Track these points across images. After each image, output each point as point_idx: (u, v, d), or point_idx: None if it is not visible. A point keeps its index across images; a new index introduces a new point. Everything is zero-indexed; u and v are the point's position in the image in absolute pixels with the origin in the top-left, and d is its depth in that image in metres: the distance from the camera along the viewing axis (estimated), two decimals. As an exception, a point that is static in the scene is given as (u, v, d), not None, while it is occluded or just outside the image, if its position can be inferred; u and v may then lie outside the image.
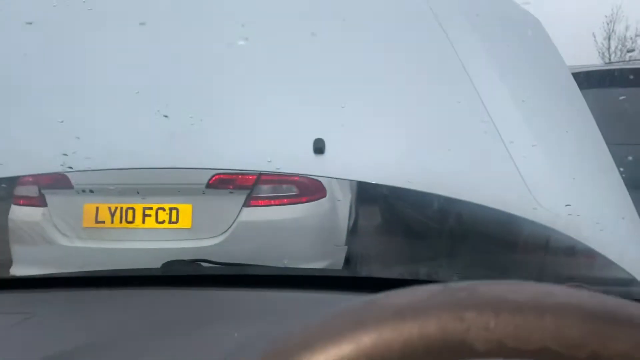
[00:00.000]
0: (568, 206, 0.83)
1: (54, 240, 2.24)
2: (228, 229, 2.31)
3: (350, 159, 0.95)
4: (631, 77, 2.83)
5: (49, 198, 2.34)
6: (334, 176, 1.05)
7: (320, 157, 0.95)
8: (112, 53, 1.03)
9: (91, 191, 2.35)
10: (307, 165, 0.96)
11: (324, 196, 2.32)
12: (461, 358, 0.30)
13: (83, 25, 1.02)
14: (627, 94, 2.69)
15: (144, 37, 1.02)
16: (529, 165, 0.92)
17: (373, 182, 1.04)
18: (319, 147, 0.96)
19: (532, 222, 0.84)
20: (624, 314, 0.29)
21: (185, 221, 2.35)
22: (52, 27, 1.03)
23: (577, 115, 1.03)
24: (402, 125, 0.97)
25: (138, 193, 2.32)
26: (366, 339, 0.30)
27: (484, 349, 0.29)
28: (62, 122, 0.98)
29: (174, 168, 1.22)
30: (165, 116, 1.04)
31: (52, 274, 1.05)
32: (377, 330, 0.30)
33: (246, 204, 2.30)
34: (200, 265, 0.96)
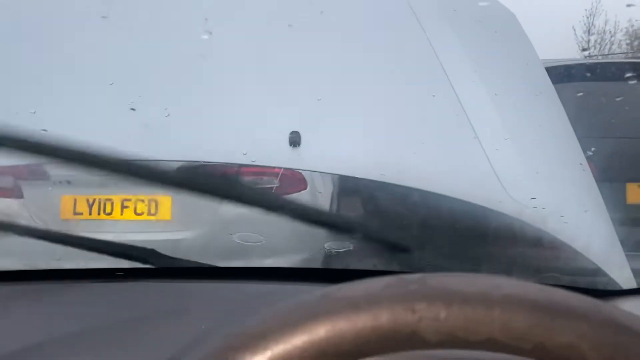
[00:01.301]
0: (534, 199, 0.85)
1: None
2: (208, 221, 2.30)
3: (326, 151, 0.96)
4: (611, 71, 2.88)
5: (26, 189, 2.31)
6: (310, 169, 1.05)
7: (296, 150, 0.96)
8: (85, 44, 1.02)
9: (68, 182, 2.32)
10: (282, 157, 0.96)
11: (305, 188, 2.32)
12: (413, 349, 0.31)
13: (54, 17, 1.01)
14: (605, 88, 2.73)
15: (116, 28, 1.01)
16: (501, 158, 0.94)
17: (347, 175, 1.05)
18: (294, 140, 0.96)
19: (502, 214, 0.85)
20: (568, 307, 0.30)
21: (164, 213, 2.33)
22: (23, 18, 1.01)
23: (548, 109, 1.05)
24: (376, 119, 0.98)
25: (116, 184, 2.30)
26: (320, 330, 0.30)
27: (434, 340, 0.30)
28: (34, 112, 0.97)
29: (147, 160, 1.22)
30: (133, 109, 1.03)
31: (25, 268, 1.04)
32: (330, 321, 0.31)
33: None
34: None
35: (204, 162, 1.65)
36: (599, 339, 0.28)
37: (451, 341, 0.30)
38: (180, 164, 2.26)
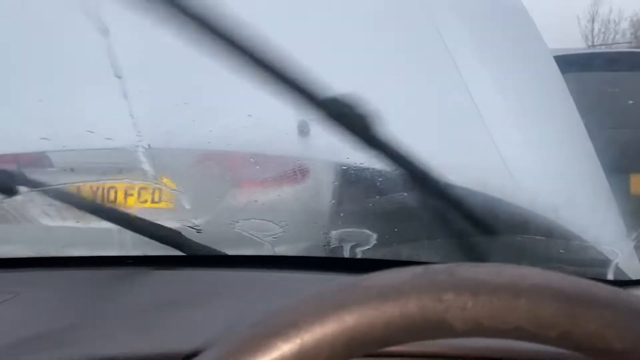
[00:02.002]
0: (546, 189, 0.85)
1: (35, 219, 2.21)
2: (212, 210, 2.30)
3: (334, 141, 0.96)
4: (614, 61, 2.87)
5: (30, 177, 2.31)
6: (319, 157, 1.05)
7: (304, 139, 0.96)
8: (92, 31, 1.02)
9: (72, 170, 2.32)
10: (290, 147, 0.96)
11: (308, 178, 2.32)
12: (440, 337, 0.32)
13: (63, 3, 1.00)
14: (610, 78, 2.73)
15: (124, 17, 1.00)
16: (510, 148, 0.94)
17: (356, 165, 1.05)
18: (303, 129, 0.96)
19: (512, 205, 0.86)
20: (593, 295, 0.30)
21: (168, 201, 2.33)
22: (31, 6, 1.01)
23: (558, 100, 1.05)
24: (385, 108, 0.98)
25: (120, 172, 2.30)
26: (349, 319, 0.31)
27: (462, 329, 0.31)
28: (40, 101, 0.97)
29: (155, 149, 1.22)
30: (144, 95, 1.03)
31: (35, 255, 1.04)
32: (360, 311, 0.31)
33: (231, 185, 2.29)
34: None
35: (212, 150, 1.65)
36: (623, 327, 0.29)
37: (478, 329, 0.31)
38: (188, 152, 2.26)
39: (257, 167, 2.29)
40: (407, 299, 0.31)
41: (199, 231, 1.01)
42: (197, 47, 1.07)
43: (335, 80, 0.94)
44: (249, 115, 1.02)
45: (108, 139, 1.04)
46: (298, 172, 2.29)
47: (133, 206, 2.28)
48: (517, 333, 0.30)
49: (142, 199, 2.29)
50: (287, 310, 0.32)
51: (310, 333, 0.31)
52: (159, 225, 0.98)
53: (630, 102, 2.40)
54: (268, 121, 0.99)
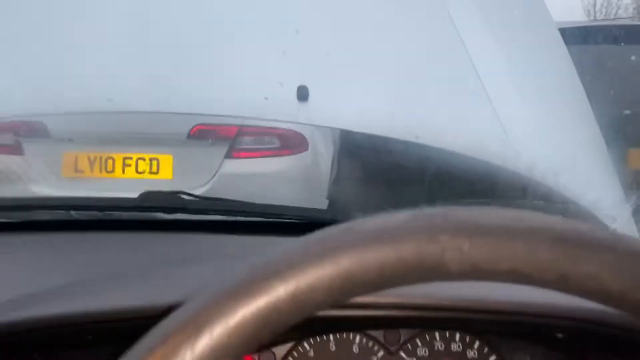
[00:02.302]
0: (546, 155, 0.85)
1: (32, 189, 2.21)
2: (209, 181, 2.30)
3: (335, 106, 0.95)
4: (615, 34, 2.84)
5: (26, 146, 2.30)
6: (318, 124, 1.04)
7: (304, 105, 0.95)
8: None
9: (70, 139, 2.31)
10: (290, 112, 0.96)
11: (307, 149, 2.31)
12: (436, 280, 0.31)
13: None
14: (611, 51, 2.70)
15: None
16: (510, 114, 0.93)
17: (356, 130, 1.04)
18: (302, 94, 0.95)
19: (511, 170, 0.85)
20: (594, 237, 0.30)
21: (166, 172, 2.33)
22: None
23: (561, 69, 1.04)
24: (385, 74, 0.97)
25: (118, 142, 2.29)
26: (345, 261, 0.31)
27: (458, 271, 0.30)
28: (39, 60, 0.96)
29: (154, 112, 1.21)
30: (143, 60, 1.02)
31: (28, 218, 1.04)
32: (355, 253, 0.31)
33: (228, 155, 2.29)
34: (179, 197, 0.96)
35: (210, 116, 1.63)
36: (621, 268, 0.29)
37: (475, 272, 0.30)
38: (185, 122, 2.23)
39: (254, 136, 2.28)
40: (402, 241, 0.31)
41: (195, 198, 1.01)
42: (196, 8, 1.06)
43: (335, 43, 0.93)
44: (250, 80, 1.00)
45: (109, 100, 1.03)
46: (295, 141, 2.28)
47: (131, 177, 2.28)
48: (513, 275, 0.30)
49: (139, 169, 2.29)
50: (283, 252, 0.32)
51: (306, 275, 0.30)
52: (151, 191, 0.97)
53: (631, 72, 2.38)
54: (268, 86, 0.98)
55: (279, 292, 0.30)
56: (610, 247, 0.30)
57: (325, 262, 0.31)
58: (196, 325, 0.29)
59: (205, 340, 0.29)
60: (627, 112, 2.40)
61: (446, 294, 0.53)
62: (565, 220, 0.31)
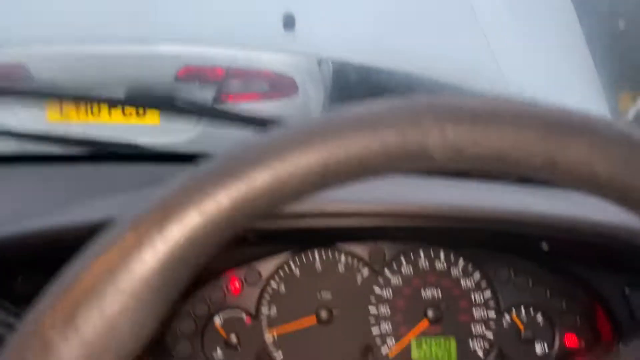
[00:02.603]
0: (536, 84, 0.83)
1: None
2: (198, 125, 2.26)
3: (321, 34, 0.92)
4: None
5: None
6: (304, 52, 1.01)
7: (290, 33, 0.92)
8: None
9: (54, 84, 2.26)
10: (276, 41, 0.93)
11: (296, 93, 2.27)
12: (419, 167, 0.30)
13: None
14: None
15: None
16: (503, 46, 0.91)
17: (342, 65, 1.02)
18: (288, 22, 0.92)
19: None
20: (584, 121, 0.29)
21: (152, 117, 2.29)
22: None
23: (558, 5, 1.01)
24: (375, 1, 0.94)
25: (105, 86, 2.24)
26: (325, 148, 0.30)
27: (443, 157, 0.29)
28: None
29: (142, 56, 1.18)
30: None
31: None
32: (336, 140, 0.30)
33: (216, 99, 2.25)
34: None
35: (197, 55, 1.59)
36: (611, 153, 0.28)
37: (460, 158, 0.29)
38: (172, 64, 2.18)
39: (243, 79, 2.24)
40: (384, 127, 0.29)
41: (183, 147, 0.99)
42: None
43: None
44: (234, 8, 0.97)
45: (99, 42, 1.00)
46: (285, 84, 2.25)
47: (117, 120, 2.24)
48: (499, 161, 0.29)
49: (126, 112, 2.25)
50: (260, 139, 0.30)
51: (283, 162, 0.29)
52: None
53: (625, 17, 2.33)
54: (253, 14, 0.95)
55: (257, 178, 0.29)
56: (599, 130, 0.28)
57: (306, 151, 0.30)
58: (167, 209, 0.28)
59: (178, 226, 0.28)
60: (622, 24, 2.31)
61: (430, 202, 0.52)
62: (558, 106, 0.30)
